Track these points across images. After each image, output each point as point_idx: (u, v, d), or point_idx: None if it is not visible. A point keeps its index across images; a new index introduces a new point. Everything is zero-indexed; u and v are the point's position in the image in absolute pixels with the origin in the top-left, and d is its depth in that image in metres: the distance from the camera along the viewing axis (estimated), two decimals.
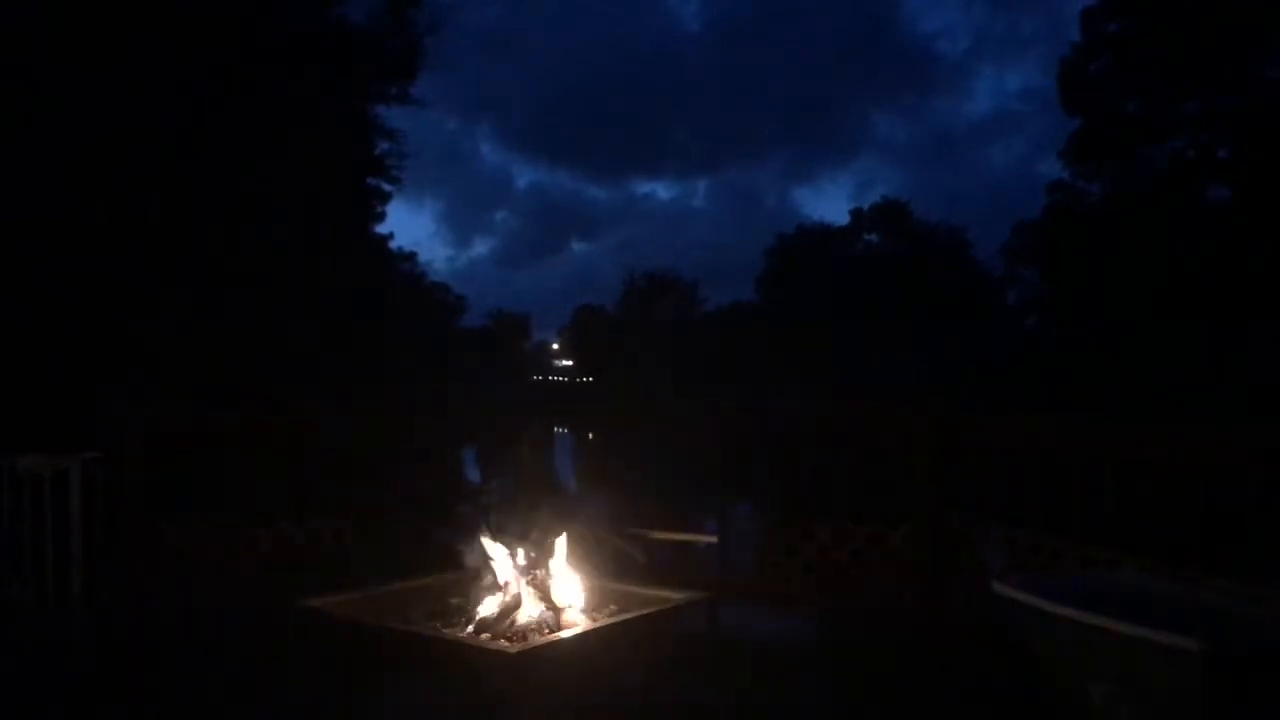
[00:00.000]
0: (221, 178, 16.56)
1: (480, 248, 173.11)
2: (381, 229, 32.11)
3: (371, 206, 28.05)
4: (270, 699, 4.12)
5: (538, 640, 3.83)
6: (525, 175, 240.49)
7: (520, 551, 4.50)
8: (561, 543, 4.52)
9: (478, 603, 4.30)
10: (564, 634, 3.95)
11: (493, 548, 4.46)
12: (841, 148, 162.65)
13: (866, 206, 51.32)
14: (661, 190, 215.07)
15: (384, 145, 25.88)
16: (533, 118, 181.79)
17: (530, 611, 4.16)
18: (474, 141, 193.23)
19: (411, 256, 49.48)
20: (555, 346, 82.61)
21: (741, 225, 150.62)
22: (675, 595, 4.51)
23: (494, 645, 3.78)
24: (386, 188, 28.16)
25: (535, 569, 4.44)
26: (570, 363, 78.60)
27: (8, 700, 4.24)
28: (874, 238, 50.88)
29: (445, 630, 4.12)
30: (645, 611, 4.30)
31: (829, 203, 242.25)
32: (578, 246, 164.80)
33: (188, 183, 15.73)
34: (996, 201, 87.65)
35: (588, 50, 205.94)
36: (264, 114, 17.70)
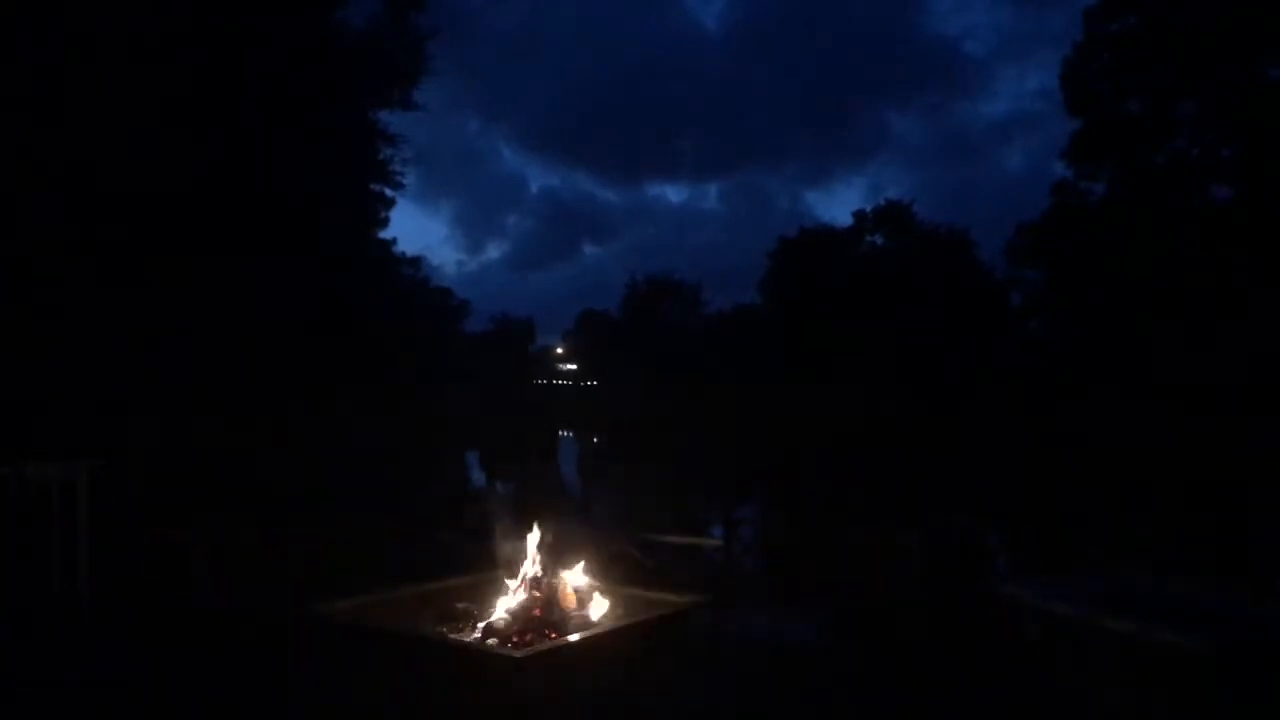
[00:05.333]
0: (221, 184, 16.59)
1: (493, 252, 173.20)
2: (385, 234, 32.09)
3: (374, 211, 28.03)
4: (276, 703, 4.13)
5: (545, 644, 3.83)
6: (539, 179, 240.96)
7: (527, 555, 4.51)
8: (568, 546, 4.53)
9: (486, 607, 4.31)
10: (571, 638, 3.95)
11: (500, 551, 4.47)
12: (856, 151, 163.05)
13: (869, 208, 51.25)
14: (672, 193, 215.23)
15: (387, 150, 25.83)
16: (549, 121, 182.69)
17: (537, 616, 4.17)
18: (489, 146, 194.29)
19: (416, 261, 49.43)
20: (559, 350, 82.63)
21: (754, 228, 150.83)
22: (682, 598, 4.51)
23: (501, 650, 3.79)
24: (389, 193, 28.17)
25: (542, 573, 4.45)
26: (574, 367, 78.61)
27: (17, 700, 4.25)
28: (878, 239, 50.84)
29: (453, 635, 4.13)
30: (652, 615, 4.30)
31: (842, 206, 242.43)
32: (589, 250, 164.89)
33: (187, 188, 15.76)
34: (1014, 202, 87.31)
35: (606, 53, 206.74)
36: (262, 120, 17.74)
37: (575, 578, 4.50)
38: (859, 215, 51.42)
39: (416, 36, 23.73)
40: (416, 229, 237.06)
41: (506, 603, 4.30)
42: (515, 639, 3.97)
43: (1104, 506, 12.14)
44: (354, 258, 23.11)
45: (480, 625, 4.17)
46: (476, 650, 3.85)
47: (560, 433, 33.45)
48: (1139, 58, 31.96)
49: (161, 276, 15.13)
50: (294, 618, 4.41)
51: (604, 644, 3.96)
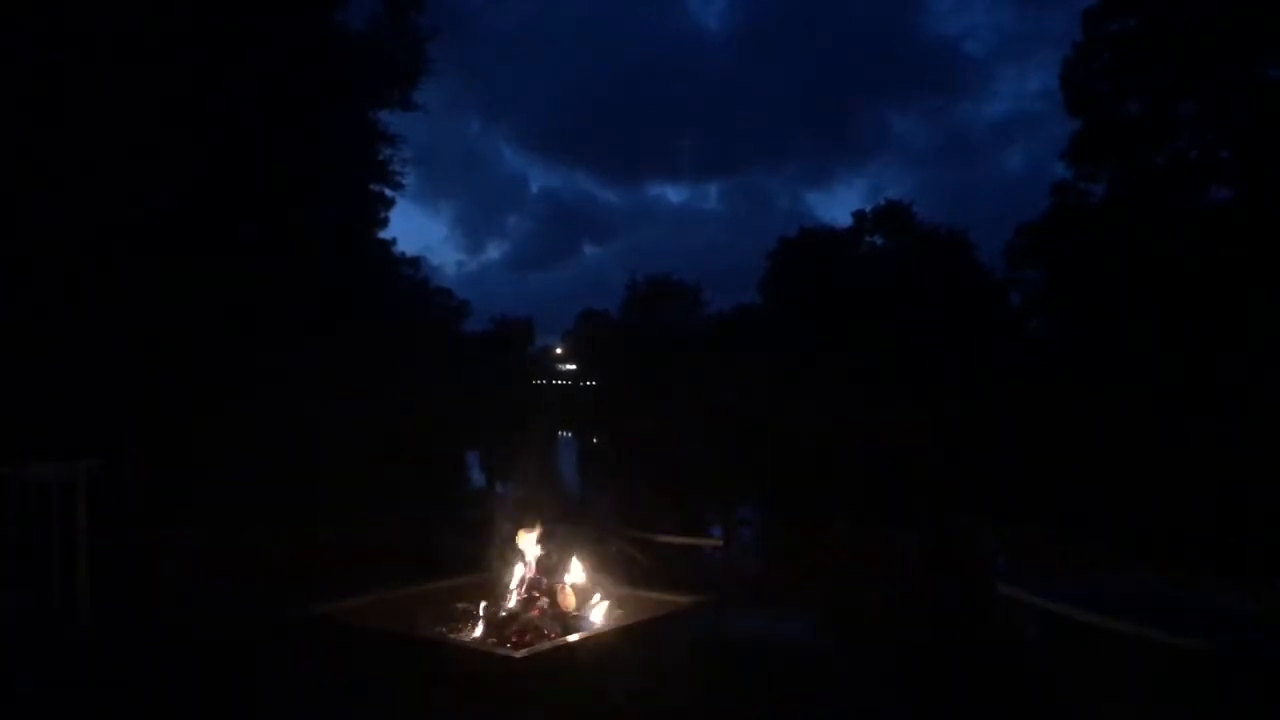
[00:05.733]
0: (220, 184, 16.59)
1: (493, 252, 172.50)
2: (385, 234, 32.06)
3: (374, 212, 28.01)
4: (276, 704, 4.13)
5: (544, 645, 3.83)
6: (539, 179, 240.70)
7: (526, 556, 4.52)
8: (567, 547, 4.53)
9: (485, 608, 4.32)
10: (570, 639, 3.95)
11: (500, 552, 4.47)
12: (856, 151, 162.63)
13: (869, 209, 51.24)
14: (672, 193, 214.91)
15: (387, 151, 25.80)
16: (549, 121, 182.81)
17: (537, 616, 4.17)
18: (489, 146, 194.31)
19: (416, 261, 49.37)
20: (559, 350, 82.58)
21: (754, 228, 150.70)
22: (681, 599, 4.52)
23: (500, 651, 3.79)
24: (389, 193, 28.15)
25: (541, 574, 4.45)
26: (574, 367, 78.57)
27: (15, 702, 4.25)
28: (878, 239, 50.84)
29: (452, 636, 4.13)
30: (651, 615, 4.30)
31: (842, 206, 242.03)
32: (589, 250, 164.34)
33: (186, 188, 15.75)
34: (1014, 202, 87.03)
35: (606, 53, 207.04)
36: (262, 120, 17.73)
37: (575, 578, 4.50)
38: (859, 216, 51.42)
39: (416, 37, 23.73)
40: (416, 229, 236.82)
41: (506, 604, 4.30)
42: (515, 639, 3.97)
43: (1104, 506, 12.14)
44: (354, 258, 23.10)
45: (480, 625, 4.18)
46: (476, 650, 3.85)
47: (560, 433, 33.53)
48: (1139, 58, 31.94)
49: (161, 277, 15.13)
50: (294, 618, 4.41)
51: (604, 644, 3.96)
